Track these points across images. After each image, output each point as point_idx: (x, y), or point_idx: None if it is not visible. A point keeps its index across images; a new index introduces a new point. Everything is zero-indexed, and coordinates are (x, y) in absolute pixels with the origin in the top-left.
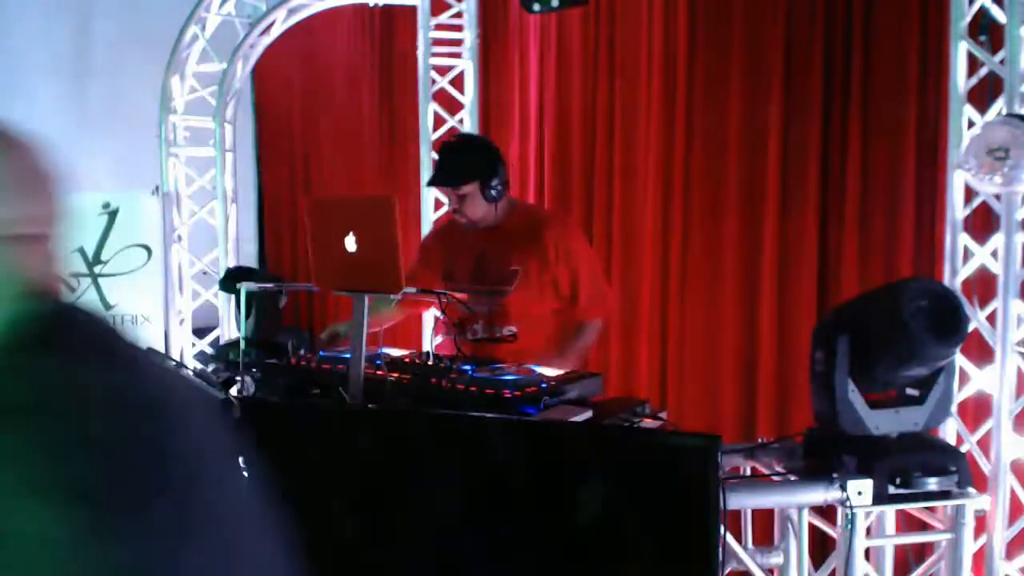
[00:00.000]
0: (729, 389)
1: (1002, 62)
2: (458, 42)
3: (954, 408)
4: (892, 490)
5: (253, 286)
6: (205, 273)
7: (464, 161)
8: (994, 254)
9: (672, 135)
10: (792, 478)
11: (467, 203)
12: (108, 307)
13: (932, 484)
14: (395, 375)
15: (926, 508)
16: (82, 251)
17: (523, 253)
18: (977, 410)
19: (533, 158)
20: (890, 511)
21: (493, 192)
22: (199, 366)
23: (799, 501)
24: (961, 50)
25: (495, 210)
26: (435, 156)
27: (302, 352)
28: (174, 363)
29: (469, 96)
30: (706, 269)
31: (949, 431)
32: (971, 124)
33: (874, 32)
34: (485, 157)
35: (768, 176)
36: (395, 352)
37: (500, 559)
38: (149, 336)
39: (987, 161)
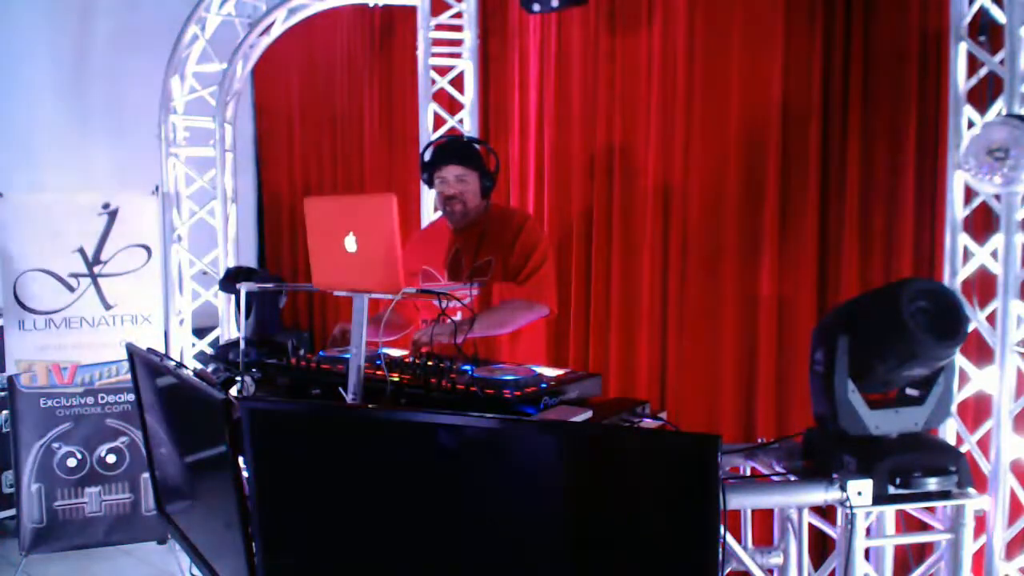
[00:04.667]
0: (729, 389)
1: (1002, 62)
2: (458, 42)
3: (954, 408)
4: (892, 490)
5: (253, 286)
6: (205, 273)
7: (472, 149)
8: (994, 254)
9: (672, 135)
10: (792, 478)
11: (467, 189)
12: (108, 307)
13: (932, 484)
14: (395, 375)
15: (926, 508)
16: (82, 251)
17: (496, 245)
18: (977, 410)
19: (533, 158)
20: (890, 511)
21: (487, 185)
22: (199, 366)
23: (799, 501)
24: (961, 50)
25: (482, 206)
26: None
27: (302, 352)
28: (174, 363)
29: (469, 96)
30: (706, 269)
31: (949, 431)
32: (971, 124)
33: (874, 32)
34: (487, 152)
35: (768, 176)
36: (395, 352)
37: (497, 559)
38: (149, 336)
39: (987, 161)
